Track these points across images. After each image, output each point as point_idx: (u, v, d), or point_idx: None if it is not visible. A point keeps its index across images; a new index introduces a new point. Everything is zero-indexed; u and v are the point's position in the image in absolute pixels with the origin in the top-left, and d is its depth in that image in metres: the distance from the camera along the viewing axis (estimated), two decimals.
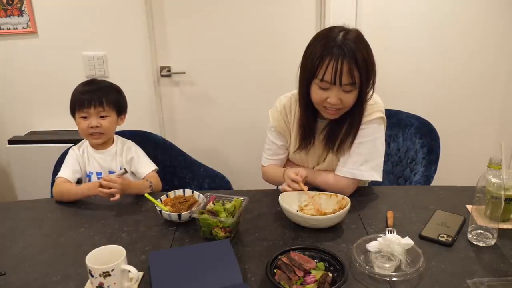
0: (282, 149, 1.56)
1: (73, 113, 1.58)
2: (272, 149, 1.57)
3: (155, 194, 1.51)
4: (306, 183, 1.52)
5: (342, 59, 1.24)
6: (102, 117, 1.55)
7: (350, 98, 1.31)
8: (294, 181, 1.37)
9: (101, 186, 1.40)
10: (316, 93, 1.32)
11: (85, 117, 1.55)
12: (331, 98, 1.29)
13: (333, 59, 1.24)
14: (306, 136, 1.45)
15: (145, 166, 1.62)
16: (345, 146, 1.42)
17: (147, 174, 1.60)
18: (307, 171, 1.52)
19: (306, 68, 1.31)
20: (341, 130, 1.41)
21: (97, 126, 1.54)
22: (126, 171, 1.46)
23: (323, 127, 1.46)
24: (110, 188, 1.39)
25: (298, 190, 1.37)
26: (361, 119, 1.38)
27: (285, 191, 1.38)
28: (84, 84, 1.60)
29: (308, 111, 1.40)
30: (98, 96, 1.54)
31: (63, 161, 1.63)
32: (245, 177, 2.64)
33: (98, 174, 1.59)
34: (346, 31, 1.29)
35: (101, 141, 1.59)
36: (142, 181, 1.57)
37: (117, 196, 1.41)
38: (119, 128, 1.67)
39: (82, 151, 1.62)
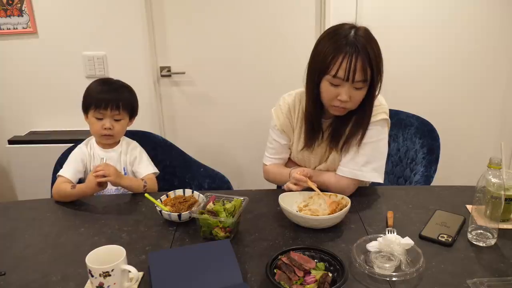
0: (285, 148, 1.56)
1: (85, 110, 1.58)
2: (275, 148, 1.57)
3: (155, 194, 1.51)
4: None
5: (356, 56, 1.25)
6: (116, 120, 1.57)
7: (359, 96, 1.32)
8: (299, 180, 1.36)
9: (100, 184, 1.41)
10: (327, 90, 1.32)
11: (100, 118, 1.56)
12: (342, 95, 1.29)
13: (347, 55, 1.25)
14: (313, 134, 1.46)
15: (145, 167, 1.63)
16: (351, 144, 1.42)
17: (145, 175, 1.60)
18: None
19: (317, 65, 1.31)
20: (346, 128, 1.42)
21: (110, 128, 1.56)
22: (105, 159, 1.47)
23: (327, 126, 1.46)
24: (104, 173, 1.42)
25: (308, 190, 1.37)
26: (370, 116, 1.39)
27: (290, 189, 1.38)
28: (101, 83, 1.60)
29: (316, 108, 1.41)
30: (115, 99, 1.55)
31: (63, 161, 1.63)
32: (245, 177, 2.64)
33: None
34: (356, 28, 1.30)
35: (111, 142, 1.62)
36: (136, 178, 1.57)
37: (110, 178, 1.42)
38: None
39: (89, 148, 1.63)
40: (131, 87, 1.65)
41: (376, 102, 1.39)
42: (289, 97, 1.52)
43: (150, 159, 1.67)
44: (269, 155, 1.59)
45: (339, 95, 1.30)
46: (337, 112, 1.37)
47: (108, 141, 1.61)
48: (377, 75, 1.30)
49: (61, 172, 1.55)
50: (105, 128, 1.55)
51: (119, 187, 1.58)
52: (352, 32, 1.28)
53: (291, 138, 1.54)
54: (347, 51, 1.25)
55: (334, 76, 1.28)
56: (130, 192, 1.55)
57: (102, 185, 1.42)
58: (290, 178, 1.44)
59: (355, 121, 1.39)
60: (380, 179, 1.42)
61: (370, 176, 1.41)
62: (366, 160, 1.40)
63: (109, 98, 1.55)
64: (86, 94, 1.59)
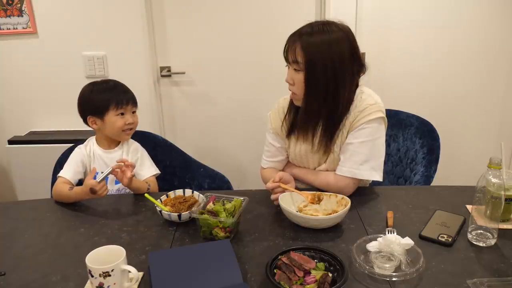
0: (280, 151, 1.56)
1: (101, 113, 1.56)
2: (270, 151, 1.58)
3: (155, 194, 1.51)
4: (305, 183, 1.52)
5: (293, 40, 1.36)
6: (133, 113, 1.61)
7: (298, 78, 1.37)
8: (272, 187, 1.37)
9: (92, 191, 1.38)
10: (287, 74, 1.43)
11: (122, 114, 1.57)
12: (287, 75, 1.41)
13: (289, 40, 1.38)
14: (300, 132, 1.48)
15: (146, 169, 1.63)
16: (346, 144, 1.42)
17: (146, 178, 1.60)
18: (306, 171, 1.52)
19: None
20: (336, 129, 1.43)
21: (132, 123, 1.60)
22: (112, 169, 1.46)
23: (320, 128, 1.46)
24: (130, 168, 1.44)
25: (308, 190, 1.38)
26: (335, 118, 1.41)
27: (276, 198, 1.37)
28: (103, 84, 1.60)
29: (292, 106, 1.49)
30: (130, 93, 1.60)
31: (63, 161, 1.63)
32: (245, 177, 2.64)
33: None
34: (317, 21, 1.39)
35: (130, 137, 1.65)
36: (143, 181, 1.57)
37: (130, 174, 1.43)
38: None
39: (89, 150, 1.62)
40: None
41: (371, 101, 1.40)
42: (284, 101, 1.54)
43: (151, 160, 1.67)
44: (265, 158, 1.60)
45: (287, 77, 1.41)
46: (293, 99, 1.45)
47: (129, 136, 1.64)
48: (318, 63, 1.33)
49: (61, 173, 1.54)
50: (129, 123, 1.58)
51: (120, 188, 1.59)
52: (308, 24, 1.37)
53: (286, 141, 1.54)
54: (289, 37, 1.38)
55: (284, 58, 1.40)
56: (130, 193, 1.55)
57: (94, 192, 1.38)
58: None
59: (324, 122, 1.43)
60: (379, 177, 1.42)
61: (368, 174, 1.41)
62: (364, 158, 1.40)
63: (126, 93, 1.59)
64: (98, 98, 1.56)
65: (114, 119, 1.56)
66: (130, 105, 1.59)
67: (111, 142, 1.63)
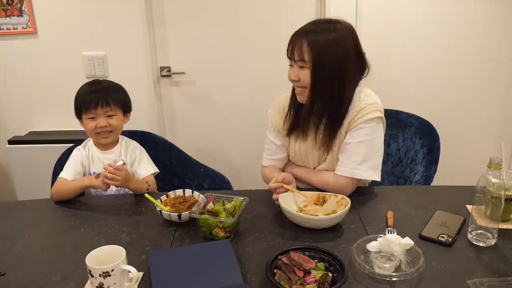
0: (281, 148, 1.56)
1: (79, 114, 1.57)
2: (271, 149, 1.58)
3: (155, 194, 1.51)
4: (305, 183, 1.53)
5: (298, 38, 1.36)
6: (109, 116, 1.56)
7: (303, 75, 1.37)
8: (275, 187, 1.36)
9: (97, 176, 1.41)
10: (288, 71, 1.43)
11: (92, 118, 1.55)
12: (290, 74, 1.41)
13: (293, 38, 1.38)
14: (298, 127, 1.48)
15: (145, 168, 1.62)
16: (345, 143, 1.42)
17: (145, 177, 1.60)
18: (306, 171, 1.52)
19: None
20: (337, 129, 1.43)
21: (106, 126, 1.55)
22: (124, 163, 1.48)
23: (322, 127, 1.46)
24: (113, 177, 1.41)
25: (308, 190, 1.38)
26: (341, 112, 1.41)
27: (277, 198, 1.36)
28: (88, 84, 1.60)
29: (295, 100, 1.48)
30: (104, 96, 1.55)
31: (63, 161, 1.63)
32: (245, 177, 2.64)
33: None
34: (320, 19, 1.40)
35: (110, 140, 1.60)
36: (142, 180, 1.57)
37: (116, 183, 1.42)
38: None
39: (87, 151, 1.62)
40: (119, 84, 1.65)
41: (370, 101, 1.40)
42: (284, 99, 1.54)
43: (150, 159, 1.67)
44: (266, 156, 1.61)
45: (291, 75, 1.41)
46: (297, 96, 1.43)
47: (107, 140, 1.58)
48: (325, 62, 1.33)
49: (61, 174, 1.55)
50: (100, 127, 1.54)
51: (119, 188, 1.58)
52: (312, 22, 1.38)
53: (286, 139, 1.54)
54: (294, 35, 1.38)
55: (287, 57, 1.40)
56: (130, 193, 1.55)
57: (98, 176, 1.42)
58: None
59: (328, 120, 1.43)
60: (377, 177, 1.42)
61: (366, 174, 1.41)
62: (362, 158, 1.40)
63: (98, 96, 1.54)
64: (75, 99, 1.58)
65: (86, 122, 1.56)
66: (103, 108, 1.53)
67: (112, 140, 1.63)
